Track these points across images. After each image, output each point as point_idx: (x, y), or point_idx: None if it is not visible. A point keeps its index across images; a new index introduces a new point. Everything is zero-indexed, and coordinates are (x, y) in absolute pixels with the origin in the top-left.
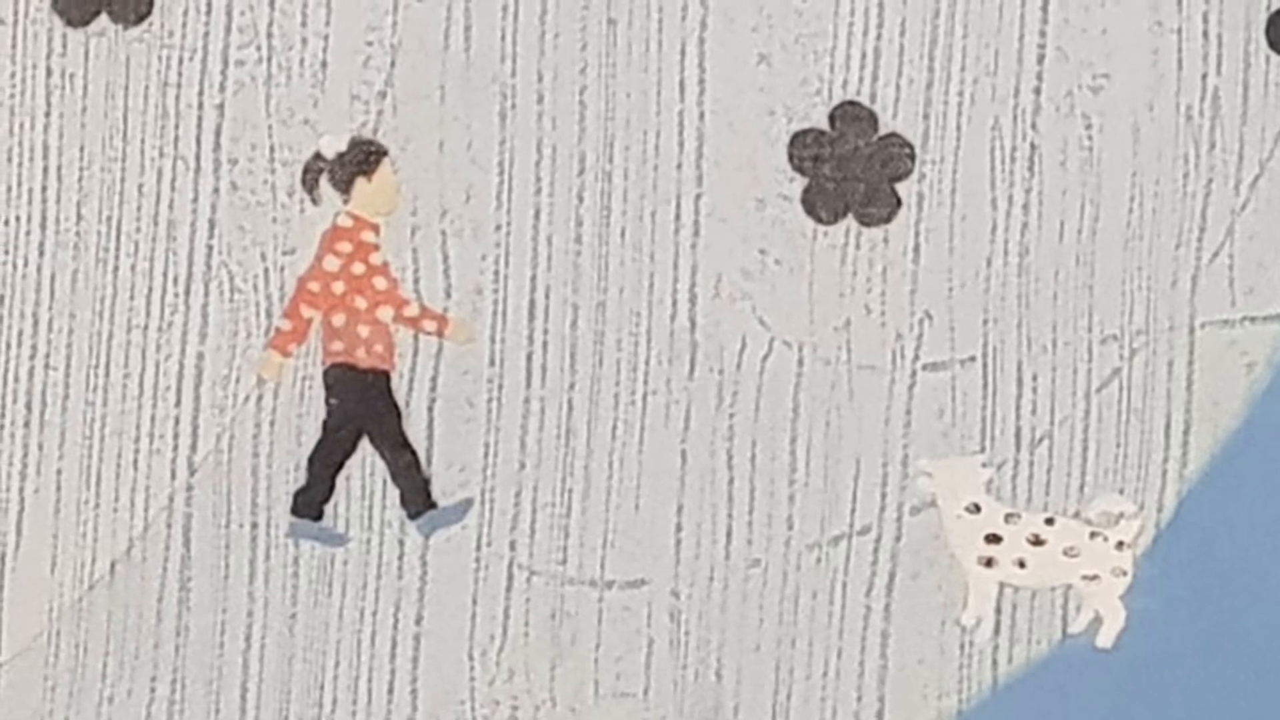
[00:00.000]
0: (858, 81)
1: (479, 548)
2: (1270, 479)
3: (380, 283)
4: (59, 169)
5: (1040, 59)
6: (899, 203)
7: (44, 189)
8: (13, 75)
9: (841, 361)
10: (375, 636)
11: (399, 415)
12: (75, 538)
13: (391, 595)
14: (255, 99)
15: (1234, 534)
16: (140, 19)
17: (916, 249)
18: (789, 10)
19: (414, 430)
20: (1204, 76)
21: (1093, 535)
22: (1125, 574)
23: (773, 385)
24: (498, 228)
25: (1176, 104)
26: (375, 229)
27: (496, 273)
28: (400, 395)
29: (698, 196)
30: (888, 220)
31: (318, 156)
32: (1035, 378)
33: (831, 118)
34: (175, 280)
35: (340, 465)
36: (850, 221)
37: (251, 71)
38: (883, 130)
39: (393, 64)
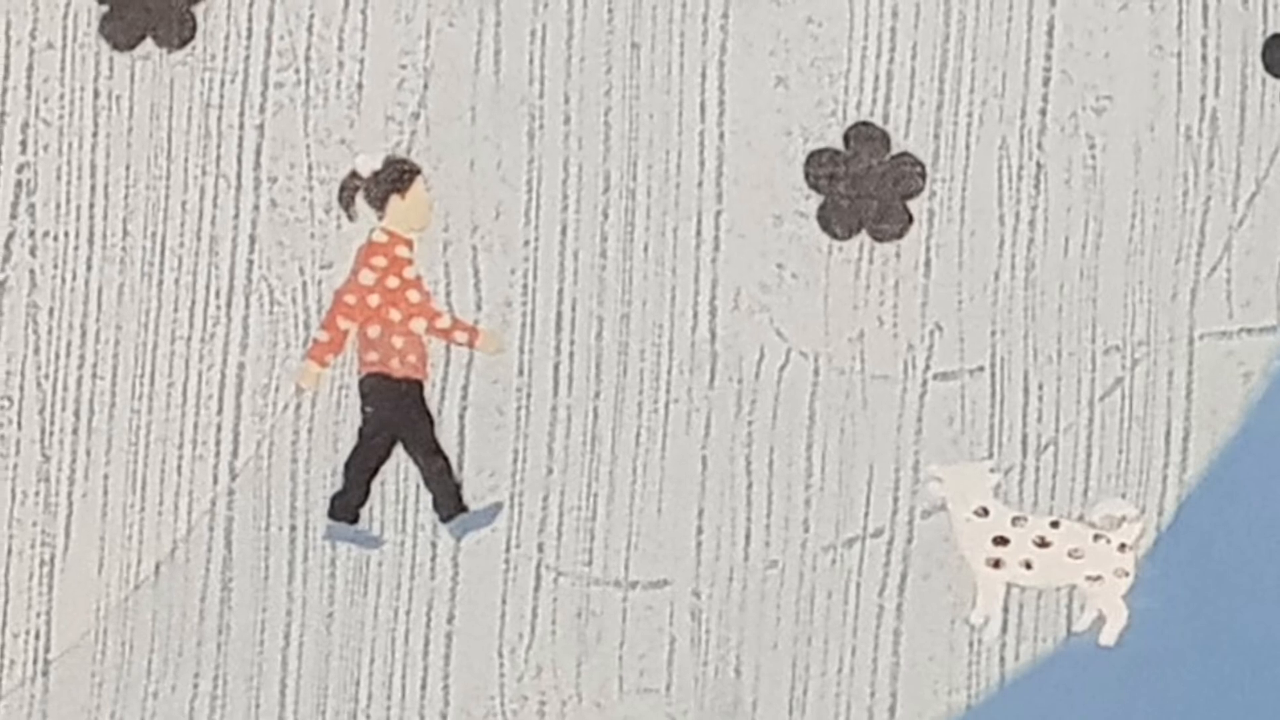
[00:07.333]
0: (871, 103)
1: (508, 549)
2: (1266, 484)
3: (413, 296)
4: (106, 187)
5: (1046, 81)
6: (910, 219)
7: (92, 206)
8: (62, 97)
9: (855, 371)
10: (409, 635)
11: (431, 423)
12: (121, 540)
13: (424, 595)
14: (294, 120)
15: (1232, 536)
16: (184, 43)
17: (927, 263)
18: (805, 35)
19: (446, 437)
20: (1203, 98)
21: (1096, 538)
22: (1127, 575)
23: (789, 394)
24: (526, 243)
25: (1176, 124)
26: (409, 244)
27: (525, 286)
28: (433, 403)
29: (718, 213)
30: (900, 236)
31: (354, 175)
32: (1041, 387)
33: (846, 138)
34: (217, 293)
35: (375, 470)
36: (864, 237)
37: (290, 93)
38: (895, 150)
39: (426, 86)
